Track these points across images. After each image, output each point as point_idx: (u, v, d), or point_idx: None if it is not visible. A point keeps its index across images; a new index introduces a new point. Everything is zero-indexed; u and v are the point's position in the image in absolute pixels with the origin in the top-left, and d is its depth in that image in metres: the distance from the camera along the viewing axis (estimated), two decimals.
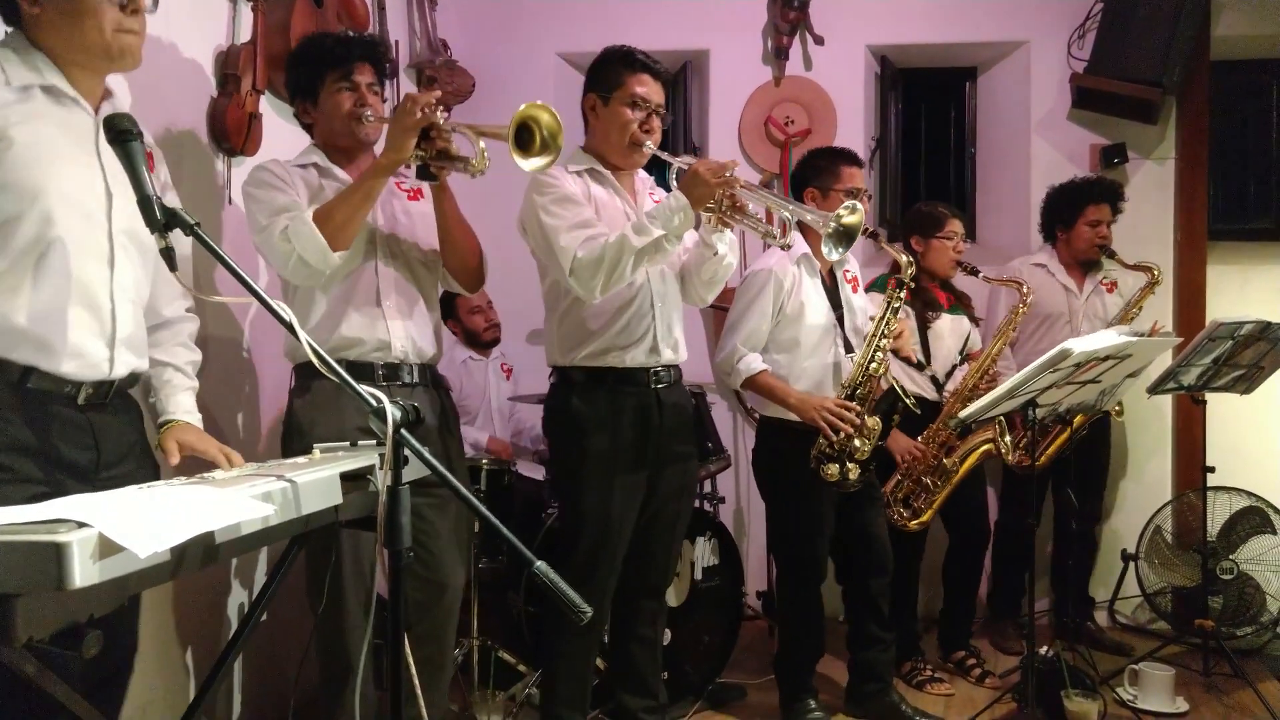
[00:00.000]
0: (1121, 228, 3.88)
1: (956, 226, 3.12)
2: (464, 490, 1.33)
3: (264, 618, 2.68)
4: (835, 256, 2.18)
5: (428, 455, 1.30)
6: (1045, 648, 2.79)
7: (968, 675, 3.21)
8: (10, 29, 1.61)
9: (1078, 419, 3.18)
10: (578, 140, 2.45)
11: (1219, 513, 3.49)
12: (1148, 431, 3.92)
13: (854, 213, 2.15)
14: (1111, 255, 3.46)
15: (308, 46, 2.26)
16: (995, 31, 4.04)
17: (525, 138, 1.93)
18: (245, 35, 2.57)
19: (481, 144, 1.98)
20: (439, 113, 2.02)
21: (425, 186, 2.25)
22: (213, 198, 2.51)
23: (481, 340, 3.58)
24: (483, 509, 1.31)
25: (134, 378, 1.70)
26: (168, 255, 1.36)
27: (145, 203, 1.35)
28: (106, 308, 1.60)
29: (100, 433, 1.60)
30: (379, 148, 2.16)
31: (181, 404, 1.81)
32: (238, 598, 2.58)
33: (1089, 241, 3.45)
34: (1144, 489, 3.90)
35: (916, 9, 4.03)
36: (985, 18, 4.02)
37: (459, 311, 3.55)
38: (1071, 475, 3.37)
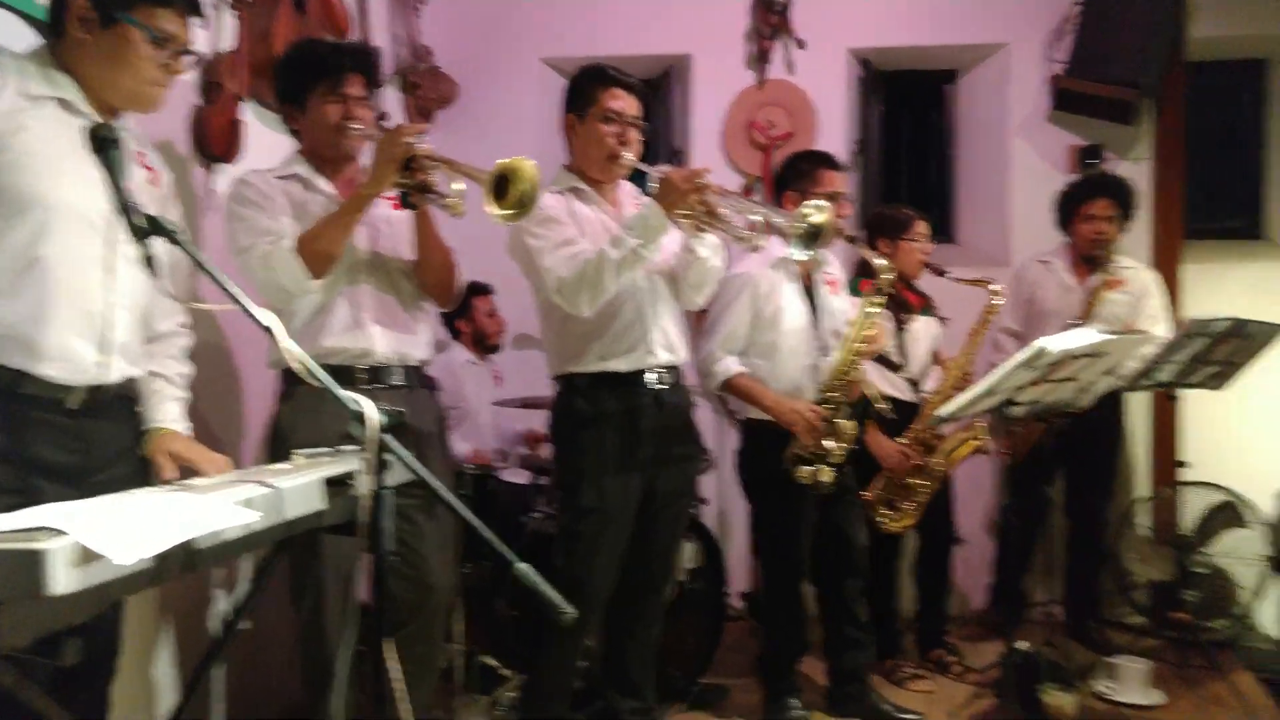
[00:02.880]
0: None
1: (923, 228, 3.15)
2: (446, 493, 1.35)
3: (248, 624, 2.71)
4: (803, 257, 2.22)
5: (410, 459, 1.32)
6: (1024, 643, 2.83)
7: (947, 672, 3.24)
8: (42, 43, 1.66)
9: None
10: (560, 158, 2.50)
11: (1194, 508, 3.54)
12: (1125, 427, 3.96)
13: (821, 211, 2.17)
14: (1110, 252, 3.41)
15: (298, 53, 2.26)
16: (975, 34, 4.09)
17: (503, 187, 1.96)
18: (229, 42, 2.58)
19: (460, 185, 2.02)
20: (424, 146, 2.05)
21: None
22: (194, 205, 2.52)
23: (489, 344, 3.62)
24: (465, 511, 1.33)
25: (132, 385, 1.74)
26: (149, 263, 1.37)
27: (124, 211, 1.36)
28: (100, 313, 1.62)
29: (91, 437, 1.62)
30: (367, 158, 2.18)
31: (168, 412, 1.83)
32: (222, 602, 2.58)
33: (1085, 237, 3.45)
34: (1121, 484, 3.94)
35: (897, 12, 4.07)
36: (965, 20, 4.06)
37: (476, 312, 3.59)
38: (1076, 475, 3.41)
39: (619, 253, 2.18)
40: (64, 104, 1.60)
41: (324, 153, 2.22)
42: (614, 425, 2.35)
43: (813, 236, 2.17)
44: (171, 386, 1.85)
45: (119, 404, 1.71)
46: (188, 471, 1.74)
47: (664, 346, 2.41)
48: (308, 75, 2.18)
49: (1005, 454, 3.33)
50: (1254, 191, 4.14)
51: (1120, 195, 3.46)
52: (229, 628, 1.70)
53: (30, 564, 0.95)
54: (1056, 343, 2.13)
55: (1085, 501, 3.53)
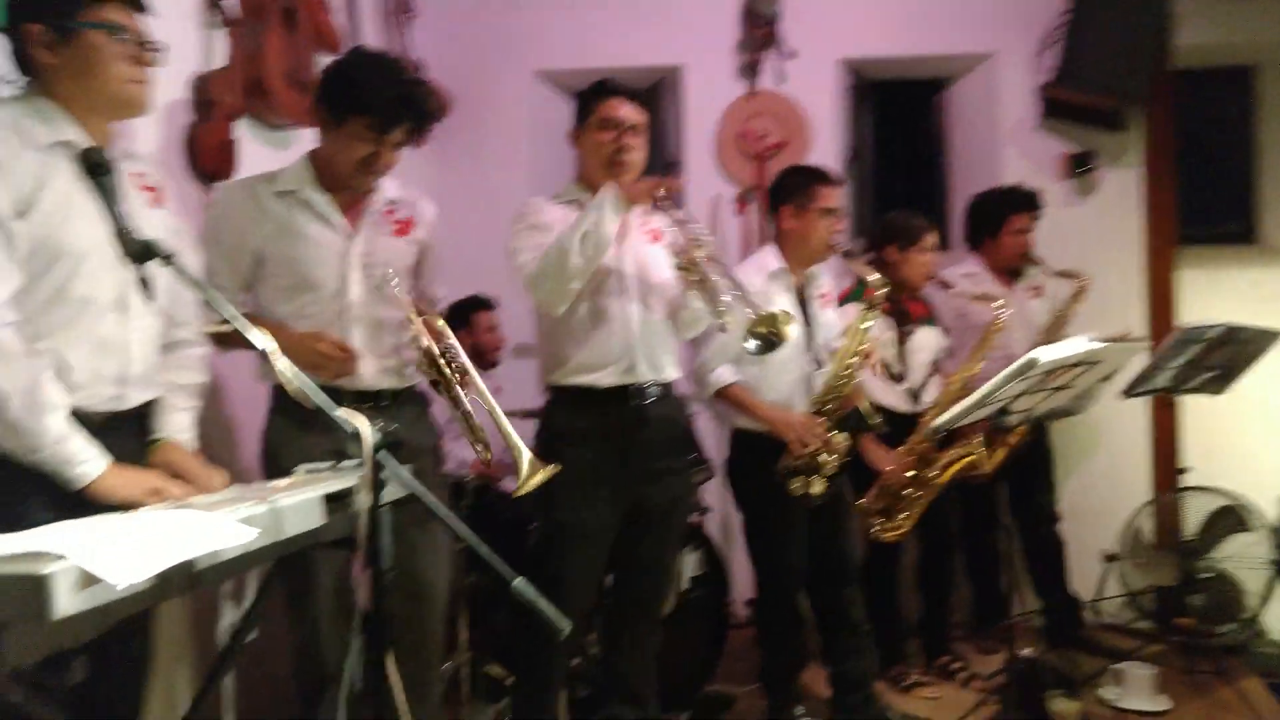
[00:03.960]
0: (1091, 234, 3.96)
1: (932, 239, 3.16)
2: (442, 509, 1.35)
3: (255, 636, 2.70)
4: (750, 349, 2.22)
5: (408, 478, 1.32)
6: (1027, 649, 2.83)
7: (953, 679, 3.24)
8: (25, 82, 1.70)
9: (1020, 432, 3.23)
10: (554, 170, 2.53)
11: (1197, 512, 3.54)
12: (1125, 433, 3.97)
13: (785, 324, 2.20)
14: (1036, 262, 3.50)
15: (363, 76, 2.10)
16: (964, 44, 4.11)
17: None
18: (220, 60, 2.60)
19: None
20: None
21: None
22: (190, 222, 2.52)
23: (487, 360, 3.62)
24: (462, 527, 1.33)
25: (148, 404, 1.82)
26: (144, 284, 1.38)
27: (120, 234, 1.37)
28: (122, 349, 1.72)
29: (112, 450, 1.67)
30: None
31: (173, 423, 1.86)
32: (229, 614, 2.59)
33: (1014, 250, 3.50)
34: (1123, 490, 3.95)
35: (886, 22, 4.10)
36: (954, 30, 4.08)
37: (477, 327, 3.58)
38: (1016, 480, 3.41)
39: (575, 233, 2.21)
40: (68, 148, 1.63)
41: (337, 173, 2.17)
42: (593, 440, 2.35)
43: (768, 344, 2.20)
44: (182, 396, 1.89)
45: (137, 420, 1.80)
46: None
47: (649, 365, 2.40)
48: (360, 107, 2.08)
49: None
50: (1247, 197, 4.17)
51: (1037, 206, 3.54)
52: (235, 639, 1.73)
53: (35, 588, 0.95)
54: (1048, 353, 2.14)
55: (1030, 503, 3.51)
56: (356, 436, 1.33)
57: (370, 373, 2.19)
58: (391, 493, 1.40)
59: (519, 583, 1.31)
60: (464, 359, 2.11)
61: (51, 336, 1.63)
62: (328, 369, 2.07)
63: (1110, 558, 3.69)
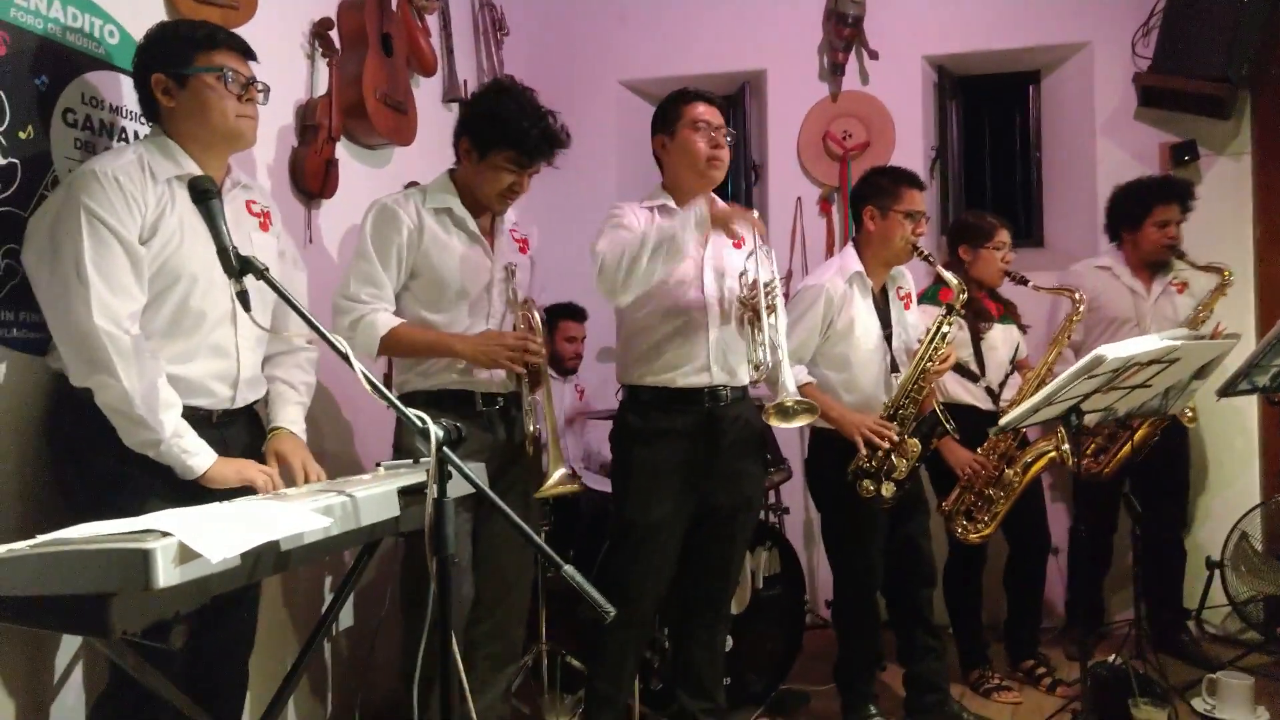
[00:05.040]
0: (1196, 226, 3.78)
1: (1004, 236, 3.12)
2: (499, 501, 1.46)
3: (350, 623, 2.92)
4: (775, 424, 2.26)
5: (466, 470, 1.44)
6: (1113, 656, 2.76)
7: (1038, 684, 3.19)
8: (151, 125, 1.97)
9: (1141, 431, 3.14)
10: (641, 179, 2.63)
11: None
12: (1233, 437, 3.80)
13: (809, 412, 2.24)
14: (1181, 256, 3.38)
15: (508, 113, 2.26)
16: (1055, 34, 4.01)
17: None
18: (322, 88, 2.81)
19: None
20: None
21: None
22: (296, 241, 2.74)
23: (564, 366, 3.79)
24: (514, 516, 1.44)
25: (255, 403, 2.08)
26: (243, 298, 1.55)
27: (223, 253, 1.55)
28: (234, 357, 1.96)
29: (228, 440, 1.93)
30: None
31: (287, 415, 2.11)
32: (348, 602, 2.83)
33: (1156, 243, 3.38)
34: (1231, 496, 3.77)
35: (972, 17, 4.04)
36: (1044, 21, 3.99)
37: (556, 334, 3.75)
38: (1146, 482, 3.31)
39: (657, 235, 2.26)
40: (183, 178, 1.85)
41: (477, 196, 2.36)
42: (664, 441, 2.43)
43: (785, 413, 2.23)
44: (293, 392, 2.13)
45: (247, 416, 2.06)
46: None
47: (723, 369, 2.46)
48: (509, 143, 2.25)
49: (1093, 466, 3.26)
50: None
51: (1186, 198, 3.40)
52: (326, 616, 1.96)
53: (140, 561, 1.12)
54: (1117, 350, 2.10)
55: (1157, 511, 3.39)
56: (425, 434, 1.45)
57: (500, 377, 2.36)
58: (458, 486, 1.52)
59: (569, 569, 1.42)
60: (544, 365, 2.31)
61: (174, 346, 1.87)
62: (517, 360, 2.27)
63: (1215, 565, 3.54)
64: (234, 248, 1.56)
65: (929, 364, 2.61)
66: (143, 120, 2.17)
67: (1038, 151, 4.27)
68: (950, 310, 2.62)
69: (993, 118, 4.40)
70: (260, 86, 1.98)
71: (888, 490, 2.58)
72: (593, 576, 2.78)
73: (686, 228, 2.24)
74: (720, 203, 2.38)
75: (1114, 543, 3.59)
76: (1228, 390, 2.99)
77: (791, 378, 2.28)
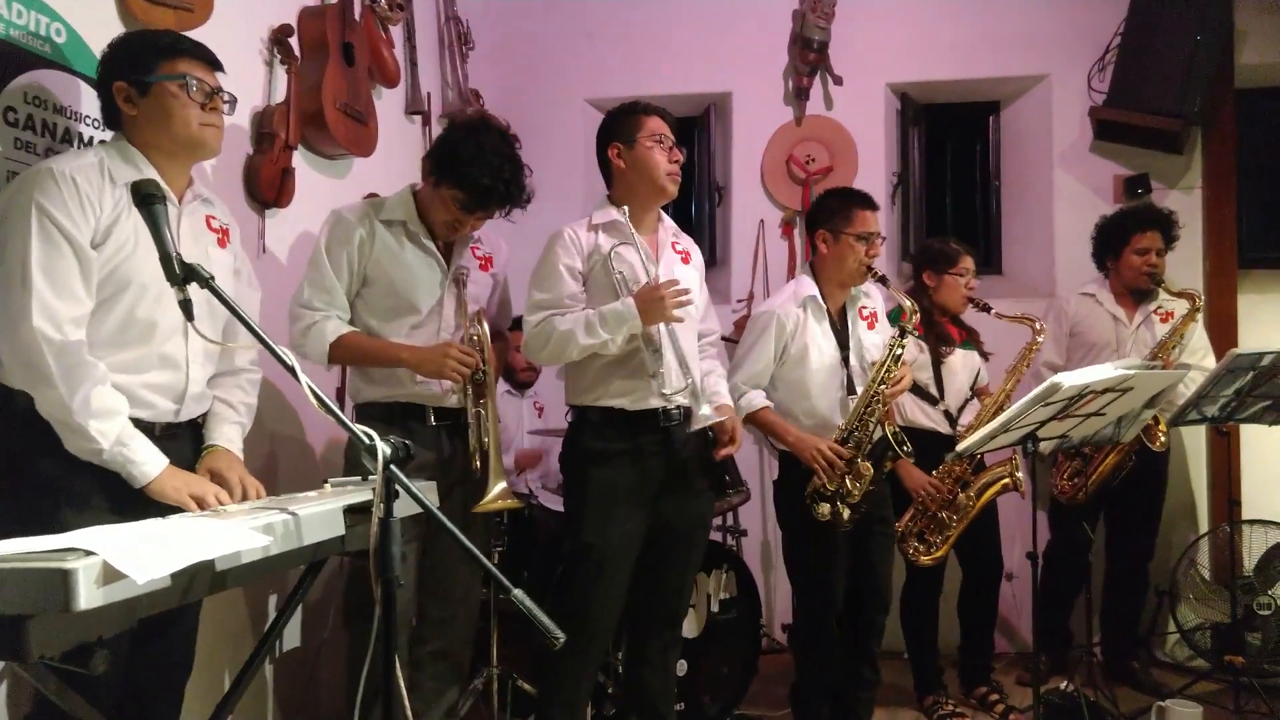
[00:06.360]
0: None
1: (968, 263, 3.15)
2: (448, 523, 1.42)
3: (298, 643, 2.83)
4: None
5: (414, 489, 1.39)
6: (1065, 683, 2.77)
7: (990, 711, 3.19)
8: (113, 133, 1.92)
9: (1109, 458, 3.18)
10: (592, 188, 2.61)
11: (1255, 546, 3.41)
12: (1182, 464, 3.86)
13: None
14: (1159, 283, 3.39)
15: (467, 156, 2.27)
16: (1015, 66, 4.09)
17: None
18: (280, 95, 2.76)
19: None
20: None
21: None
22: (249, 248, 2.68)
23: (517, 380, 3.71)
24: (463, 539, 1.40)
25: (199, 418, 2.01)
26: (185, 307, 1.50)
27: (165, 260, 1.49)
28: (183, 369, 1.91)
29: (172, 457, 1.84)
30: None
31: (224, 433, 2.03)
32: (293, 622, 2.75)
33: (1137, 270, 3.41)
34: (1180, 523, 3.83)
35: (935, 47, 4.10)
36: (1005, 53, 4.07)
37: (509, 345, 3.68)
38: (1120, 508, 3.34)
39: (588, 340, 2.32)
40: None
41: (428, 219, 2.38)
42: (617, 462, 2.41)
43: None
44: (233, 412, 2.06)
45: (190, 430, 1.99)
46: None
47: (678, 390, 2.43)
48: (456, 181, 2.28)
49: (1063, 492, 3.29)
50: None
51: (1168, 227, 3.44)
52: (268, 635, 1.87)
53: (59, 581, 1.05)
54: (1072, 379, 2.12)
55: (1127, 539, 3.44)
56: (372, 451, 1.41)
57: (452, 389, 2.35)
58: (405, 505, 1.47)
59: (518, 593, 1.38)
60: (490, 380, 2.30)
61: (121, 355, 1.80)
62: (462, 373, 2.28)
63: (1164, 593, 3.58)
64: (178, 255, 1.50)
65: (882, 387, 2.61)
66: (89, 121, 2.10)
67: (997, 180, 4.33)
68: (904, 333, 2.63)
69: (954, 146, 4.47)
70: (226, 97, 1.94)
71: (845, 513, 2.57)
72: (549, 600, 2.75)
73: (616, 336, 2.32)
74: (651, 299, 2.33)
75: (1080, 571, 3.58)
76: (1177, 420, 3.04)
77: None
